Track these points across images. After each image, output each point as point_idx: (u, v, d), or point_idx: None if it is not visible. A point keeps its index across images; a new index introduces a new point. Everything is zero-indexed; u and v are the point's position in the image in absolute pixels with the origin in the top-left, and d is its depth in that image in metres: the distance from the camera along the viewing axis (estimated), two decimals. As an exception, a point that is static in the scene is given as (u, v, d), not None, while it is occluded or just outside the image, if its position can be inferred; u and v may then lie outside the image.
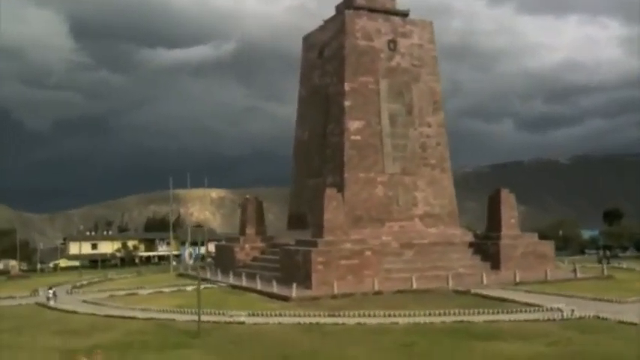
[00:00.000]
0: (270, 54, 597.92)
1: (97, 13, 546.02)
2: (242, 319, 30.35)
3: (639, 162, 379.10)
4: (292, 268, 43.83)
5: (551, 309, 31.44)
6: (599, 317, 29.37)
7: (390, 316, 30.60)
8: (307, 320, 30.07)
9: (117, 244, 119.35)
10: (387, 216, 50.48)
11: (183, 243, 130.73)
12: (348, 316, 30.86)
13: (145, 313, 33.29)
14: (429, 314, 30.75)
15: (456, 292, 40.68)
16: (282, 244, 54.03)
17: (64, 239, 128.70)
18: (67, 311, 35.54)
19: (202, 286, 46.98)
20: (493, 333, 26.15)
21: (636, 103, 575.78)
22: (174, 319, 31.48)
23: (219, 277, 51.19)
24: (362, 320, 29.56)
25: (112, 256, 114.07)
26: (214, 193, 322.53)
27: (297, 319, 30.35)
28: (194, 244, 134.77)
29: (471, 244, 51.55)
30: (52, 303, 39.06)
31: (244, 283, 45.69)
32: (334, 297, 38.43)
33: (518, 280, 44.47)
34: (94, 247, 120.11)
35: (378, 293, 39.76)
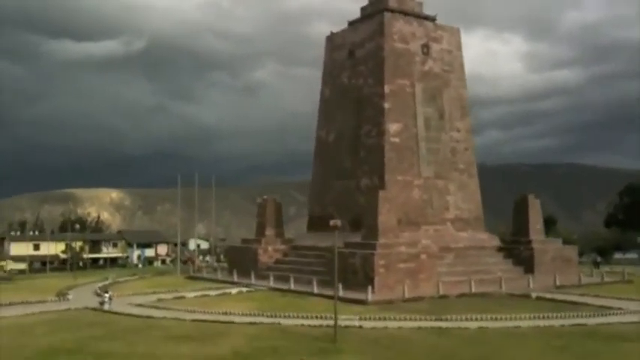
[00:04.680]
0: (179, 51, 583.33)
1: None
2: (356, 323, 29.53)
3: (531, 172, 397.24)
4: (345, 272, 43.03)
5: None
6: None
7: (498, 319, 30.71)
8: (421, 325, 29.66)
9: (60, 246, 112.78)
10: (422, 219, 50.70)
11: (130, 245, 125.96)
12: (455, 320, 30.71)
13: (239, 318, 31.78)
14: (534, 317, 31.09)
15: (512, 295, 41.39)
16: (308, 247, 53.28)
17: (2, 239, 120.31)
18: (141, 316, 33.31)
19: (245, 290, 45.82)
20: (622, 335, 26.82)
21: (531, 115, 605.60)
22: (279, 323, 30.21)
23: (252, 280, 49.59)
24: (481, 324, 29.43)
25: (55, 257, 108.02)
26: (114, 193, 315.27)
27: (411, 324, 29.85)
28: (144, 246, 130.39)
29: (499, 249, 52.61)
30: (106, 307, 36.59)
31: (292, 286, 44.51)
32: (405, 300, 38.14)
33: (558, 284, 45.89)
34: (36, 247, 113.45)
35: (443, 297, 39.83)
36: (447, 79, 54.68)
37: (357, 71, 54.04)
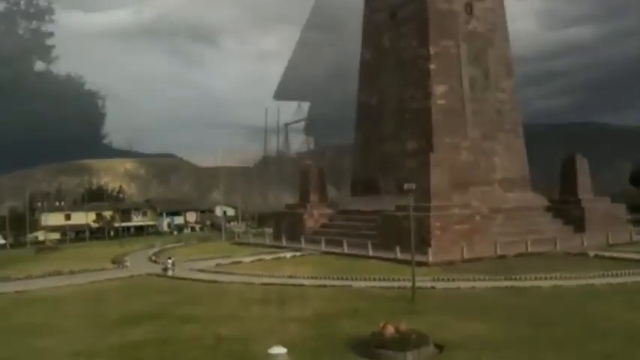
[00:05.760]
0: (189, 19, 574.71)
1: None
2: (428, 284, 29.69)
3: (546, 131, 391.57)
4: (400, 235, 43.10)
5: None
6: None
7: (567, 278, 30.67)
8: (494, 284, 29.75)
9: (90, 216, 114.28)
10: (470, 181, 50.47)
11: (160, 213, 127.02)
12: (524, 279, 30.75)
13: (308, 281, 32.14)
14: (603, 275, 31.04)
15: (569, 254, 41.27)
16: (355, 211, 53.43)
17: (33, 210, 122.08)
18: (208, 281, 33.82)
19: (298, 254, 46.23)
20: None
21: (544, 76, 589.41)
22: (350, 286, 30.50)
23: (302, 244, 49.97)
24: (554, 283, 29.45)
25: (87, 227, 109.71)
26: (128, 164, 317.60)
27: (482, 284, 29.95)
28: (173, 213, 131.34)
29: (548, 208, 52.39)
30: (170, 273, 37.19)
31: (346, 250, 44.84)
32: (465, 261, 38.28)
33: (610, 242, 45.65)
34: (68, 217, 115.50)
35: (501, 257, 39.90)
36: (491, 38, 53.81)
37: (400, 33, 53.31)
